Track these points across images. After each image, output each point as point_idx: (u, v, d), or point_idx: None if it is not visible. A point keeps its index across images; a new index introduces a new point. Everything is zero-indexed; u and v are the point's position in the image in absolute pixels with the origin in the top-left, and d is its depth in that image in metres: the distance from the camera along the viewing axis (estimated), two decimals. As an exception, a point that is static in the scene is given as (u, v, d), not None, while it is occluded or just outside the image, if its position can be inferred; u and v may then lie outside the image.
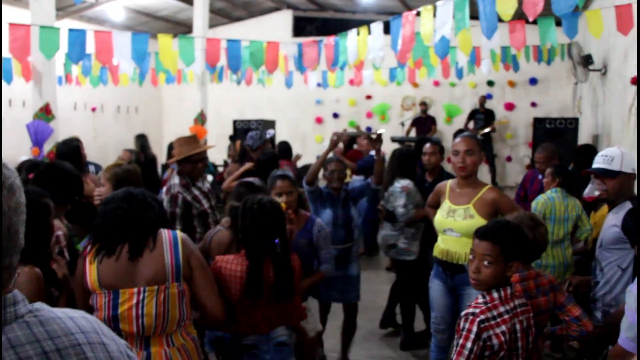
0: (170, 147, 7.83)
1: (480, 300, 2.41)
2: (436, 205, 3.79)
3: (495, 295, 2.38)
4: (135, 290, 2.25)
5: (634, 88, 6.36)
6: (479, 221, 3.23)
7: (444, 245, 3.50)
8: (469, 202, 3.41)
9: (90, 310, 2.31)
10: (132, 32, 6.19)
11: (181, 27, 13.97)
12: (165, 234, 2.38)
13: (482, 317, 2.31)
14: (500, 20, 4.71)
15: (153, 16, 13.12)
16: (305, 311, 3.05)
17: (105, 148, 12.34)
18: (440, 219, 3.52)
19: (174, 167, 4.29)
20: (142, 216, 2.30)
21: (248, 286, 2.65)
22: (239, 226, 2.76)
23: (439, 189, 3.75)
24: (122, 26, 13.07)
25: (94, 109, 13.08)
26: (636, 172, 3.09)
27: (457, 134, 3.45)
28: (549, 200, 4.36)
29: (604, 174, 3.08)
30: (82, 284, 2.32)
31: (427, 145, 5.16)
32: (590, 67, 8.58)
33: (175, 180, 3.99)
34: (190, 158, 3.97)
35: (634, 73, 6.39)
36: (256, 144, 5.77)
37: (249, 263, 2.68)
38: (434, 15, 5.34)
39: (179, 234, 2.41)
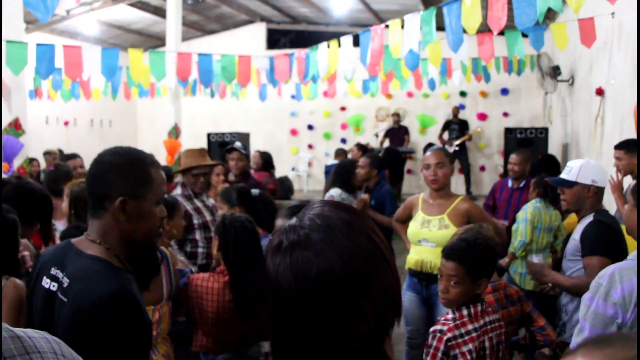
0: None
1: (450, 316, 2.41)
2: (405, 220, 3.88)
3: (465, 312, 2.38)
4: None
5: (599, 98, 6.51)
6: (454, 230, 3.27)
7: (418, 256, 3.55)
8: (443, 212, 3.50)
9: None
10: (104, 45, 6.17)
11: (154, 40, 13.94)
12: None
13: (449, 334, 2.31)
14: (465, 32, 4.80)
15: (125, 29, 13.07)
16: None
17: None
18: (414, 230, 3.59)
19: (179, 180, 4.32)
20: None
21: (237, 303, 2.67)
22: (220, 243, 2.78)
23: (410, 202, 3.83)
24: (94, 39, 13.00)
25: (66, 123, 12.95)
26: (600, 184, 3.14)
27: (426, 147, 3.60)
28: (535, 209, 4.49)
29: (561, 184, 3.16)
30: None
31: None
32: (559, 77, 8.76)
33: (178, 190, 4.06)
34: (192, 170, 4.00)
35: (599, 84, 6.54)
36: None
37: (231, 280, 2.70)
38: (402, 27, 5.41)
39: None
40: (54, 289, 1.56)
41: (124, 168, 1.61)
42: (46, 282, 1.60)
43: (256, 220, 3.29)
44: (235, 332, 2.73)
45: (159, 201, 1.66)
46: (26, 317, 1.72)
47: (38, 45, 5.69)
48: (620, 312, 1.95)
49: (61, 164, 4.78)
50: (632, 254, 2.08)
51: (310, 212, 0.97)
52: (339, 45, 6.41)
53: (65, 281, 1.55)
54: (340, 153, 9.58)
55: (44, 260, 1.68)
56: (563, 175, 3.16)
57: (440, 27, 5.28)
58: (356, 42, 6.58)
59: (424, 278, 3.52)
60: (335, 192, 4.81)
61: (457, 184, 11.81)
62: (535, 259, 3.44)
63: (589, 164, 3.37)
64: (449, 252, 2.45)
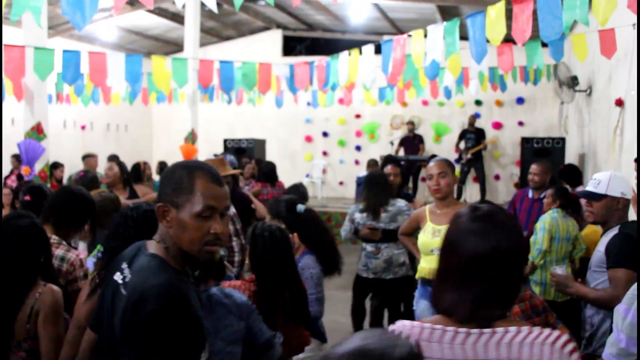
0: (162, 165, 7.82)
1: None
2: (410, 233, 4.02)
3: None
4: None
5: (618, 109, 6.50)
6: None
7: (430, 265, 3.62)
8: None
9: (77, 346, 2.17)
10: (123, 51, 6.26)
11: (171, 46, 14.07)
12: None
13: None
14: (489, 42, 4.83)
15: (143, 35, 13.20)
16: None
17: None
18: (426, 240, 3.67)
19: None
20: None
21: (262, 313, 2.67)
22: (249, 252, 2.81)
23: (418, 215, 3.92)
24: (112, 45, 13.14)
25: (83, 127, 13.08)
26: (628, 197, 3.15)
27: (430, 158, 3.64)
28: (553, 220, 4.52)
29: (590, 197, 3.16)
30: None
31: (389, 166, 5.39)
32: (576, 87, 8.75)
33: None
34: None
35: (619, 94, 6.54)
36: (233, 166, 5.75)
37: (258, 289, 2.72)
38: (425, 36, 5.45)
39: None
40: (120, 281, 1.67)
41: (170, 176, 1.67)
42: (117, 276, 1.70)
43: (300, 235, 3.28)
44: None
45: (202, 213, 1.61)
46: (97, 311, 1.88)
47: (64, 51, 5.79)
48: None
49: (89, 171, 4.85)
50: None
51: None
52: (360, 53, 6.45)
53: (128, 275, 1.66)
54: (371, 164, 9.55)
55: (121, 256, 1.77)
56: (590, 188, 3.17)
57: (462, 37, 5.33)
58: (376, 50, 6.63)
59: None
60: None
61: (472, 192, 11.82)
62: (559, 270, 3.43)
63: (617, 176, 3.38)
64: None
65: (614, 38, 5.74)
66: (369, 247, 4.83)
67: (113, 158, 8.57)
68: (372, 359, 1.05)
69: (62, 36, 11.77)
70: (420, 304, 3.76)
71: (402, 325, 1.55)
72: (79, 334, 2.15)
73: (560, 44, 5.80)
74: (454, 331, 1.46)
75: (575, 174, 6.15)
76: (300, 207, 3.33)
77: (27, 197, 3.36)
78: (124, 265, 1.70)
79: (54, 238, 2.80)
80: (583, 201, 3.31)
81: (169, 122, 14.52)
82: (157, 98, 10.32)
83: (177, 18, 11.97)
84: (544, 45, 6.48)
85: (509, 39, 5.23)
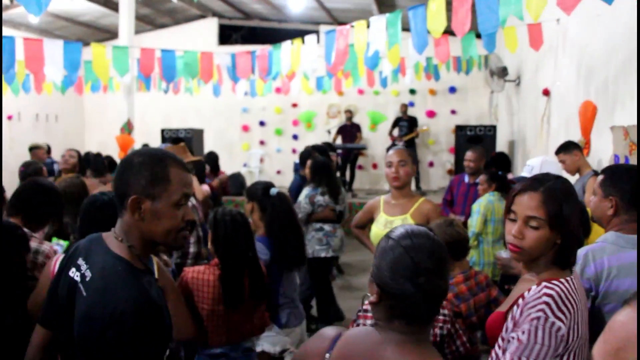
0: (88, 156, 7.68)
1: None
2: (364, 225, 3.79)
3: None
4: None
5: (545, 99, 6.91)
6: None
7: None
8: (406, 212, 3.43)
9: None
10: (52, 37, 6.08)
11: (104, 33, 13.68)
12: None
13: None
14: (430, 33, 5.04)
15: (74, 21, 12.75)
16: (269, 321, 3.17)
17: (23, 158, 11.84)
18: (377, 231, 3.50)
19: None
20: None
21: (226, 295, 2.76)
22: (212, 237, 2.88)
23: (371, 205, 3.72)
24: (40, 30, 12.64)
25: (10, 117, 12.53)
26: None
27: (390, 147, 3.55)
28: (489, 203, 4.79)
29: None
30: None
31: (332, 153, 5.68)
32: (506, 78, 9.19)
33: None
34: None
35: (545, 85, 6.95)
36: None
37: (221, 272, 2.80)
38: (368, 27, 5.61)
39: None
40: (77, 279, 1.60)
41: (141, 167, 1.60)
42: (72, 272, 1.63)
43: (270, 217, 3.38)
44: (229, 325, 2.84)
45: (178, 203, 1.61)
46: (47, 306, 1.75)
47: (-1, 38, 5.57)
48: (594, 286, 2.24)
49: (34, 162, 4.75)
50: (602, 238, 2.37)
51: None
52: (303, 42, 6.55)
53: (88, 274, 1.59)
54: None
55: (74, 250, 1.71)
56: (525, 174, 3.41)
57: (403, 28, 5.53)
58: (317, 40, 6.75)
59: None
60: None
61: (407, 179, 12.16)
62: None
63: (547, 161, 3.66)
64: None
65: (541, 32, 6.11)
66: (328, 227, 5.17)
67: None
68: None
69: (-15, 22, 11.23)
70: None
71: None
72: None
73: (493, 37, 6.10)
74: None
75: (505, 161, 6.51)
76: (273, 191, 3.46)
77: None
78: (81, 261, 1.64)
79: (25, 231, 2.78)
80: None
81: (102, 112, 14.14)
82: (92, 87, 10.03)
83: (110, 4, 11.65)
84: (478, 36, 6.80)
85: (445, 30, 5.47)
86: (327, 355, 1.45)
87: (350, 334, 1.49)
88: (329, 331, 1.53)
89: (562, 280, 1.73)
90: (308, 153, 5.94)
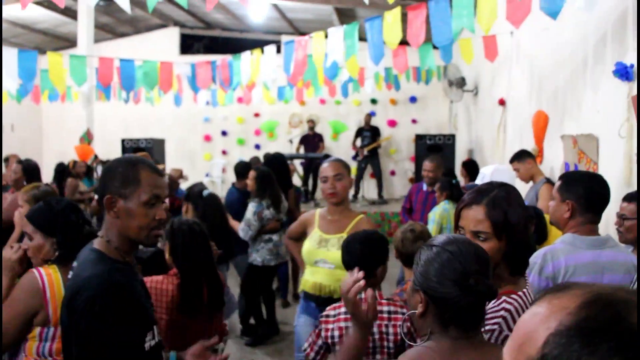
0: (60, 167, 7.57)
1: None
2: (298, 238, 3.56)
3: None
4: None
5: (501, 108, 7.10)
6: None
7: (315, 278, 3.23)
8: (343, 230, 3.19)
9: (20, 340, 2.21)
10: (8, 45, 5.98)
11: (62, 42, 13.46)
12: None
13: (330, 312, 2.53)
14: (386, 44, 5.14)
15: (30, 28, 12.51)
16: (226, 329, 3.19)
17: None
18: (311, 249, 3.24)
19: None
20: None
21: (185, 303, 2.76)
22: (170, 247, 2.88)
23: (306, 219, 3.46)
24: (-5, 40, 12.36)
25: (-36, 127, 12.21)
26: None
27: (323, 159, 3.29)
28: (444, 211, 4.91)
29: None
30: (29, 317, 2.19)
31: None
32: (464, 88, 9.39)
33: None
34: None
35: (501, 95, 7.14)
36: None
37: (180, 281, 2.80)
38: (326, 38, 5.68)
39: None
40: (69, 277, 1.81)
41: (115, 170, 1.80)
42: (70, 275, 1.82)
43: (203, 216, 3.46)
44: (189, 334, 2.83)
45: (149, 202, 1.77)
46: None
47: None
48: (552, 284, 2.35)
49: None
50: (560, 239, 2.52)
51: None
52: (262, 53, 6.59)
53: (74, 268, 1.81)
54: (255, 162, 9.70)
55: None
56: (478, 182, 3.51)
57: (360, 38, 5.62)
58: (278, 50, 6.80)
59: (322, 302, 3.10)
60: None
61: (369, 188, 12.29)
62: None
63: (499, 169, 3.77)
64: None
65: (496, 44, 6.29)
66: (275, 237, 5.24)
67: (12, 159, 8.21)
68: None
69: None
70: (301, 319, 3.33)
71: None
72: None
73: (449, 48, 6.26)
74: None
75: (475, 168, 6.74)
76: (205, 192, 3.61)
77: None
78: (75, 264, 1.82)
79: None
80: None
81: (60, 121, 13.88)
82: (50, 96, 9.87)
83: (69, 12, 11.47)
84: (435, 47, 6.96)
85: (402, 42, 5.59)
86: None
87: (416, 355, 1.44)
88: None
89: (520, 293, 1.74)
90: (245, 165, 6.07)
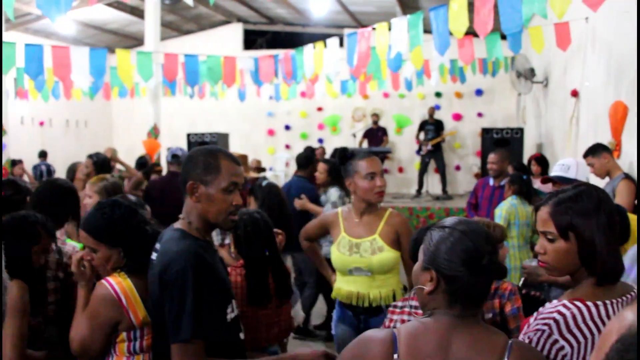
0: (141, 159, 7.84)
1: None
2: (315, 239, 3.34)
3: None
4: None
5: (574, 100, 6.77)
6: (390, 254, 2.90)
7: (350, 287, 2.97)
8: (374, 232, 2.92)
9: (103, 351, 2.19)
10: (82, 45, 6.17)
11: (131, 40, 13.87)
12: None
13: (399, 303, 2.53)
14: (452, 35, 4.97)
15: (102, 29, 12.98)
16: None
17: (54, 163, 12.09)
18: (342, 257, 2.95)
19: None
20: None
21: (252, 294, 2.76)
22: (234, 238, 2.88)
23: (328, 220, 3.13)
24: (70, 39, 12.88)
25: (42, 123, 12.80)
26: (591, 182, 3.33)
27: (344, 153, 2.82)
28: (511, 206, 4.69)
29: (562, 181, 3.32)
30: (112, 327, 2.16)
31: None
32: (533, 79, 9.03)
33: None
34: None
35: (574, 85, 6.81)
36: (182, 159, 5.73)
37: (246, 272, 2.80)
38: (389, 29, 5.57)
39: None
40: (154, 258, 1.95)
41: (197, 158, 1.96)
42: (153, 255, 1.97)
43: (263, 205, 3.47)
44: (260, 325, 2.81)
45: (228, 189, 1.92)
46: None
47: (27, 45, 5.68)
48: None
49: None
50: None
51: None
52: (325, 46, 6.53)
53: (158, 248, 1.96)
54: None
55: (158, 239, 2.02)
56: (560, 173, 3.33)
57: (426, 30, 5.47)
58: (341, 44, 6.73)
59: (362, 312, 2.96)
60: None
61: (433, 183, 12.05)
62: (529, 262, 3.59)
63: (582, 163, 3.57)
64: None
65: (569, 31, 5.98)
66: None
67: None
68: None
69: (17, 30, 11.48)
70: (339, 329, 3.10)
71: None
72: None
73: (519, 37, 5.99)
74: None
75: (546, 163, 6.49)
76: (265, 182, 3.68)
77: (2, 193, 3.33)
78: (157, 245, 1.98)
79: None
80: (549, 186, 3.47)
81: (129, 117, 14.33)
82: (119, 93, 10.18)
83: (137, 12, 11.82)
84: (503, 37, 6.70)
85: (468, 32, 5.40)
86: (395, 356, 1.45)
87: (411, 328, 1.49)
88: (376, 334, 1.51)
89: (590, 303, 1.61)
90: (308, 156, 5.96)
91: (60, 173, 10.70)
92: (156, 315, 1.94)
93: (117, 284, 2.14)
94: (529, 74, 8.94)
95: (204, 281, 1.84)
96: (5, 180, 3.38)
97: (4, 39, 6.34)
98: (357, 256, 2.89)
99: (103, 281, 2.17)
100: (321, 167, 5.26)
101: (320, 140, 13.70)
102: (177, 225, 1.99)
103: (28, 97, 10.11)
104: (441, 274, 1.46)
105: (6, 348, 2.15)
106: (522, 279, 3.53)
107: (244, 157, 5.39)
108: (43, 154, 11.32)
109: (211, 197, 1.93)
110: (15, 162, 8.21)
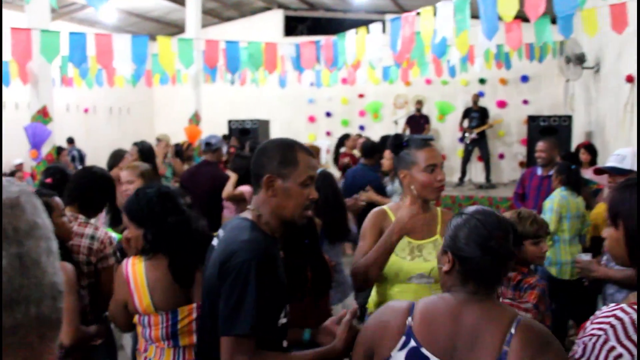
0: (176, 146, 7.89)
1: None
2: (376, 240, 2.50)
3: None
4: (194, 305, 2.21)
5: (629, 85, 6.47)
6: None
7: (406, 298, 2.31)
8: (435, 232, 2.52)
9: (129, 324, 2.33)
10: (124, 33, 6.20)
11: (172, 28, 13.95)
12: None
13: None
14: (501, 19, 4.78)
15: (144, 17, 13.08)
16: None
17: (98, 149, 12.29)
18: (402, 263, 2.45)
19: None
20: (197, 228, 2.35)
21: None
22: None
23: (381, 219, 2.58)
24: (113, 27, 13.03)
25: (86, 110, 13.02)
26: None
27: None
28: (563, 199, 4.48)
29: (616, 172, 3.14)
30: (123, 305, 2.28)
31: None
32: (584, 64, 8.69)
33: None
34: None
35: (629, 70, 6.50)
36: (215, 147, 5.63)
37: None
38: (434, 15, 5.39)
39: None
40: (215, 245, 1.91)
41: (274, 151, 1.88)
42: (214, 241, 1.94)
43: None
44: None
45: (305, 183, 1.86)
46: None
47: (71, 34, 5.73)
48: None
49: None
50: None
51: None
52: (367, 31, 6.39)
53: (221, 234, 1.92)
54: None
55: (221, 227, 1.99)
56: (615, 164, 3.15)
57: (472, 15, 5.28)
58: (383, 29, 6.58)
59: None
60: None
61: (477, 171, 11.79)
62: (584, 256, 3.42)
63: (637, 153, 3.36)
64: None
65: (626, 12, 5.68)
66: None
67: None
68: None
69: (62, 19, 11.67)
70: None
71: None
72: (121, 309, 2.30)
73: (570, 20, 5.73)
74: None
75: (595, 151, 6.23)
76: (318, 170, 3.56)
77: (49, 180, 3.37)
78: (220, 232, 1.94)
79: (81, 217, 2.85)
80: (603, 177, 3.29)
81: (170, 104, 14.45)
82: (160, 80, 10.25)
83: (178, -1, 11.86)
84: (553, 21, 6.44)
85: (517, 16, 5.18)
86: (409, 319, 1.62)
87: (427, 300, 1.67)
88: (397, 303, 1.70)
89: None
90: (373, 144, 5.76)
91: (103, 159, 10.87)
92: (209, 304, 1.85)
93: (132, 265, 2.26)
94: (579, 59, 8.60)
95: (268, 278, 1.75)
96: (52, 166, 3.42)
97: (49, 28, 6.41)
98: (421, 260, 2.45)
99: (124, 261, 2.32)
100: (388, 153, 5.11)
101: (362, 127, 13.55)
102: (246, 215, 1.92)
103: (73, 84, 10.28)
104: (455, 255, 1.62)
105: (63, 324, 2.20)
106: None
107: (317, 150, 5.29)
108: (71, 140, 11.57)
109: (289, 191, 1.86)
110: (60, 149, 8.35)
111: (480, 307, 1.58)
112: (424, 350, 1.57)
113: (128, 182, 3.50)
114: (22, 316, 0.64)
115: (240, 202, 4.98)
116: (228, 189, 5.06)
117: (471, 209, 1.69)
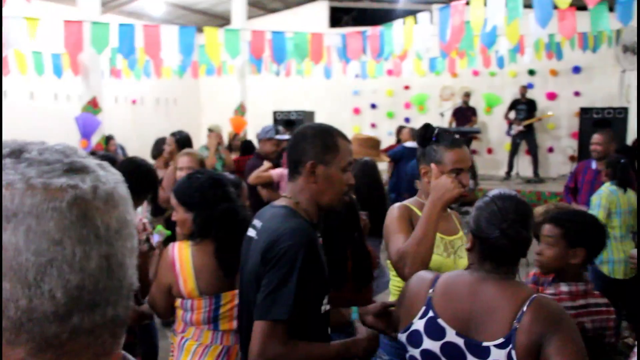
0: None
1: (548, 292, 2.33)
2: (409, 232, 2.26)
3: (564, 289, 2.30)
4: (237, 291, 2.19)
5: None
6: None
7: None
8: (458, 230, 2.46)
9: (169, 309, 2.35)
10: (173, 25, 6.26)
11: (218, 20, 14.06)
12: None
13: None
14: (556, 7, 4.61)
15: (191, 9, 13.22)
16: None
17: (145, 139, 12.45)
18: (441, 260, 2.30)
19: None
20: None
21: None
22: None
23: (409, 214, 2.36)
24: (161, 20, 13.22)
25: (134, 102, 13.27)
26: None
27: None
28: (611, 193, 4.29)
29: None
30: (167, 289, 2.30)
31: None
32: (641, 54, 8.35)
33: None
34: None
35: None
36: (261, 136, 5.50)
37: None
38: (485, 5, 5.24)
39: None
40: (254, 235, 1.86)
41: (315, 137, 1.86)
42: (250, 232, 1.90)
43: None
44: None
45: (345, 168, 1.86)
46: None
47: (120, 25, 5.82)
48: None
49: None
50: None
51: None
52: (415, 21, 6.28)
53: (259, 225, 1.86)
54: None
55: (255, 217, 1.95)
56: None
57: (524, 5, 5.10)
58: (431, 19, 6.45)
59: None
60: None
61: (524, 165, 11.51)
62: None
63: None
64: (550, 217, 2.47)
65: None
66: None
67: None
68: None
69: (112, 12, 11.90)
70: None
71: None
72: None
73: (630, 6, 5.47)
74: None
75: None
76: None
77: None
78: (256, 221, 1.91)
79: None
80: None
81: (216, 95, 14.58)
82: (207, 71, 10.35)
83: (225, -9, 11.94)
84: (610, 9, 6.19)
85: (571, 3, 4.99)
86: (431, 290, 1.75)
87: (449, 274, 1.80)
88: (426, 274, 1.83)
89: None
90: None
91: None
92: (250, 293, 1.80)
93: (179, 249, 2.28)
94: (638, 48, 8.26)
95: (311, 265, 1.71)
96: (101, 154, 3.49)
97: (99, 20, 6.53)
98: (457, 257, 2.32)
99: (170, 245, 2.34)
100: None
101: (407, 120, 13.38)
102: (283, 202, 1.88)
103: (121, 76, 10.48)
104: (475, 235, 1.72)
105: None
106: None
107: (377, 142, 5.16)
108: (111, 137, 11.69)
109: (331, 177, 1.85)
110: (109, 138, 8.53)
111: (496, 284, 1.66)
112: (440, 321, 1.69)
113: (188, 169, 3.54)
114: (100, 318, 0.61)
115: (267, 185, 4.88)
116: (256, 173, 4.91)
117: (495, 192, 1.77)
